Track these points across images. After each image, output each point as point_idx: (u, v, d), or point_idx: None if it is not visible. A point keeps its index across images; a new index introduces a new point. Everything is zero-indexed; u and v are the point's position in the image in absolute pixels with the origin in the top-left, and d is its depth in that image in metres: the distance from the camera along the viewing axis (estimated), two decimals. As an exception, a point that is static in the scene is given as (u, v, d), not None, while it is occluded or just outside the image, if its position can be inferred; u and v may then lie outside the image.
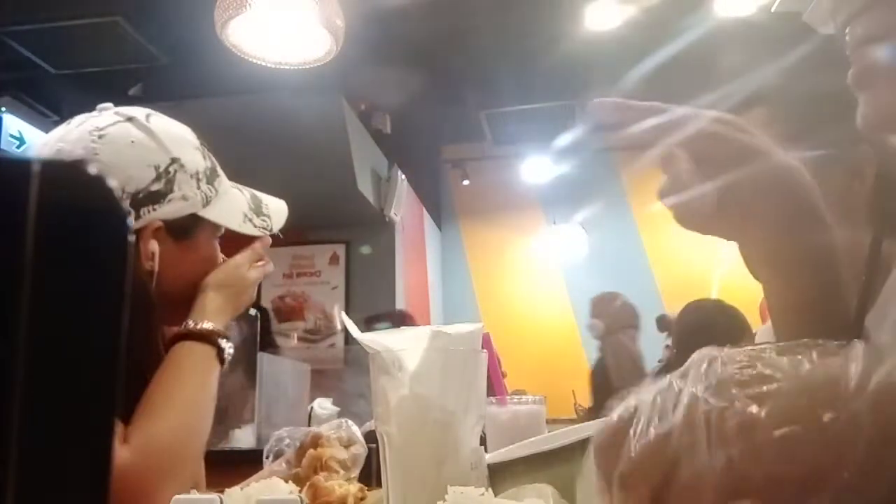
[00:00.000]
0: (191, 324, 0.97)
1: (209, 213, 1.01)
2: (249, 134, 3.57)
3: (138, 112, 1.00)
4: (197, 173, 1.00)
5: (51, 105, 4.04)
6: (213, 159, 1.06)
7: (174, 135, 1.00)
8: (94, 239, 0.23)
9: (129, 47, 3.69)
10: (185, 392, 0.92)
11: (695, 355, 0.40)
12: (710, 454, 0.35)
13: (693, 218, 0.63)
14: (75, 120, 0.99)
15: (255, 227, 1.08)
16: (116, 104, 1.02)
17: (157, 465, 0.83)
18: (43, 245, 0.21)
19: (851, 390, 0.34)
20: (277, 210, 1.13)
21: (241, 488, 0.75)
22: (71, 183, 0.22)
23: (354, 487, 0.79)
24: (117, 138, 0.95)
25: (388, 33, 3.54)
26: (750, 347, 0.38)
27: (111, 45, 3.67)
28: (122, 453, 0.82)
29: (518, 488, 0.56)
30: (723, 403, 0.36)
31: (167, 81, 3.78)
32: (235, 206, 1.06)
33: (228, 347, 0.98)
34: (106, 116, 0.98)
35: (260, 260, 1.10)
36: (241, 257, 1.06)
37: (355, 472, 0.94)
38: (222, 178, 1.06)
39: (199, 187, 1.00)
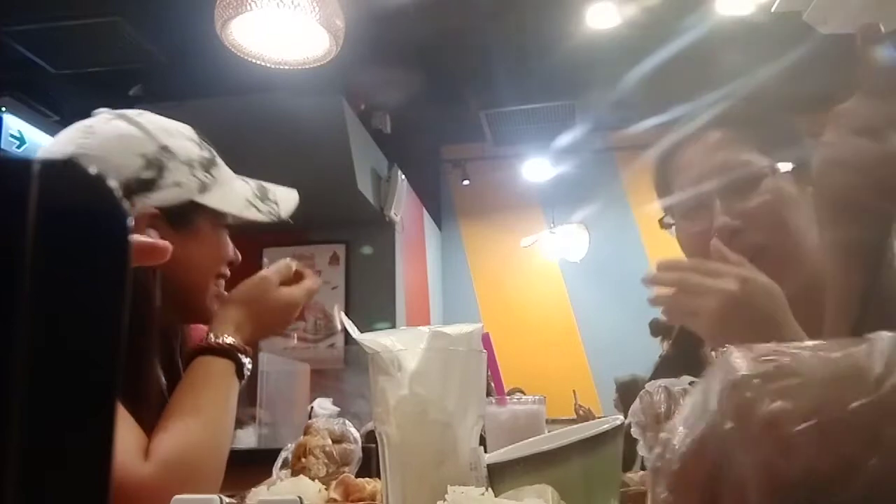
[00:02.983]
0: (211, 338, 0.95)
1: (208, 200, 0.98)
2: (249, 134, 3.57)
3: (131, 111, 0.99)
4: (190, 160, 0.97)
5: (51, 105, 4.03)
6: (215, 153, 1.03)
7: (164, 126, 0.98)
8: (94, 239, 0.23)
9: (129, 47, 3.69)
10: (206, 408, 0.90)
11: (719, 358, 0.40)
12: (746, 452, 0.35)
13: None
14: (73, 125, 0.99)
15: (261, 212, 1.03)
16: (116, 104, 1.01)
17: (179, 481, 0.81)
18: (43, 245, 0.21)
19: (877, 376, 0.34)
20: (285, 197, 1.09)
21: (268, 488, 0.75)
22: (71, 183, 0.23)
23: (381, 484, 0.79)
24: (105, 131, 0.95)
25: (388, 33, 3.54)
26: (773, 344, 0.38)
27: (111, 45, 3.67)
28: (143, 469, 0.81)
29: (517, 489, 0.56)
30: (749, 398, 0.36)
31: (167, 81, 3.78)
32: (238, 192, 1.02)
33: (248, 363, 0.96)
34: (98, 116, 0.98)
35: (302, 278, 1.04)
36: (268, 271, 1.02)
37: (348, 469, 0.94)
38: (222, 168, 1.03)
39: (193, 174, 0.97)
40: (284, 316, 1.02)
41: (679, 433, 0.40)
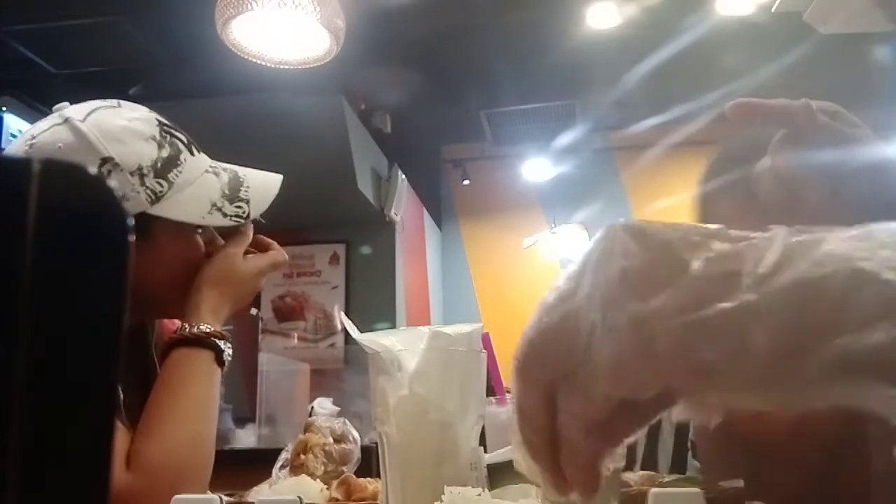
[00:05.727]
0: (185, 328, 0.91)
1: (160, 211, 0.91)
2: (249, 134, 3.57)
3: (80, 111, 0.93)
4: (140, 168, 0.90)
5: (51, 105, 4.00)
6: (181, 146, 0.96)
7: (110, 131, 0.90)
8: (94, 239, 0.23)
9: (129, 47, 3.69)
10: (185, 404, 0.87)
11: (599, 236, 0.37)
12: (603, 347, 0.33)
13: None
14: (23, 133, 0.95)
15: (226, 215, 0.96)
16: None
17: (163, 486, 0.78)
18: (43, 245, 0.21)
19: (757, 276, 0.31)
20: (260, 192, 1.01)
21: (270, 487, 0.75)
22: (71, 183, 0.23)
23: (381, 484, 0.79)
24: (45, 146, 0.90)
25: (388, 33, 3.54)
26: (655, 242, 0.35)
27: (111, 45, 3.67)
28: (124, 477, 0.79)
29: (502, 489, 0.56)
30: (618, 297, 0.33)
31: (167, 81, 3.78)
32: (200, 195, 0.95)
33: (228, 349, 0.93)
34: (47, 120, 0.93)
35: (262, 248, 1.02)
36: (231, 246, 0.98)
37: (346, 469, 0.94)
38: (186, 167, 0.94)
39: (142, 183, 0.90)
40: (253, 287, 0.99)
41: (544, 306, 0.36)
